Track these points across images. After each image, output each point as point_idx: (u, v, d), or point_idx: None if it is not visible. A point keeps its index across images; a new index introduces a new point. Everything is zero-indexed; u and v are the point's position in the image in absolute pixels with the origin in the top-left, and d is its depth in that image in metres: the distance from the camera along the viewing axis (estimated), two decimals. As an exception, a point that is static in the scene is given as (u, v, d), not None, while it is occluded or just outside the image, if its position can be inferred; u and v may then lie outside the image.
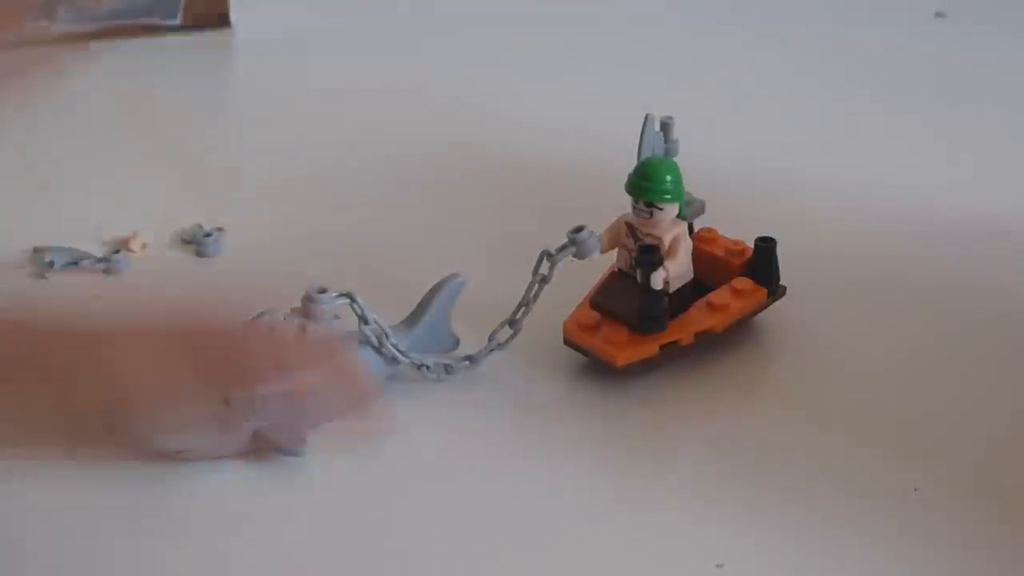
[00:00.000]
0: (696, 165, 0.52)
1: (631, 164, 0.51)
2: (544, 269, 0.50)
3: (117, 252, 0.58)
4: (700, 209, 0.55)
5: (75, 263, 0.58)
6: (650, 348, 0.50)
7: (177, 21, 0.80)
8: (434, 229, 0.60)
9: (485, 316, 0.51)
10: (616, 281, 0.52)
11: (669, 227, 0.50)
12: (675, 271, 0.50)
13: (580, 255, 0.50)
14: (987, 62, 0.78)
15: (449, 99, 0.73)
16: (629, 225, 0.51)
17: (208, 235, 0.59)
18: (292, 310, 0.48)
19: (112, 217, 0.61)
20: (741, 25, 0.82)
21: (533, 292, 0.50)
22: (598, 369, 0.51)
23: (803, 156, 0.67)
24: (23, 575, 0.44)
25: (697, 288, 0.52)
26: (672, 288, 0.50)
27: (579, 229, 0.49)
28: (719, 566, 0.43)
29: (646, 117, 0.52)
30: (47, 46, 0.72)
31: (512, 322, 0.51)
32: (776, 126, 0.71)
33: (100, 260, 0.58)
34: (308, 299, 0.48)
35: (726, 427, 0.49)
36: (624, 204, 0.51)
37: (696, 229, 0.54)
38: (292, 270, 0.56)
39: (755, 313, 0.53)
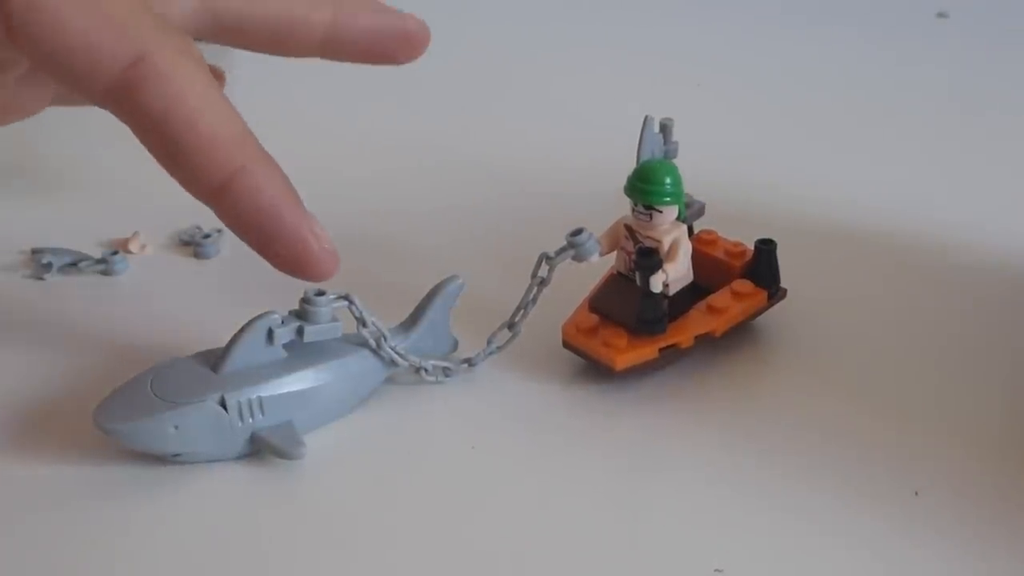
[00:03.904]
0: (696, 167, 0.52)
1: (630, 166, 0.51)
2: (543, 272, 0.50)
3: (115, 253, 0.58)
4: (700, 211, 0.55)
5: (73, 264, 0.58)
6: (649, 351, 0.50)
7: (177, 21, 0.80)
8: (432, 231, 0.60)
9: (484, 319, 0.51)
10: (615, 284, 0.52)
11: (668, 229, 0.50)
12: (674, 274, 0.50)
13: (579, 258, 0.49)
14: (989, 62, 0.78)
15: (448, 100, 0.73)
16: (628, 227, 0.51)
17: (207, 236, 0.59)
18: (290, 312, 0.48)
19: (110, 218, 0.61)
20: (741, 26, 0.82)
21: (532, 295, 0.50)
22: (597, 372, 0.51)
23: (804, 157, 0.67)
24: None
25: (697, 290, 0.52)
26: (672, 291, 0.50)
27: (578, 231, 0.49)
28: (718, 571, 0.43)
29: (645, 119, 0.52)
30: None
31: (511, 325, 0.51)
32: (776, 127, 0.71)
33: (98, 261, 0.58)
34: (306, 301, 0.48)
35: (725, 430, 0.49)
36: (624, 206, 0.51)
37: (696, 231, 0.54)
38: (290, 272, 0.57)
39: (755, 315, 0.53)
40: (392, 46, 0.55)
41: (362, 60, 0.56)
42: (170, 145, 0.45)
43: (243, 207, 0.46)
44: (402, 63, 0.56)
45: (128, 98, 0.44)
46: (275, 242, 0.46)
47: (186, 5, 0.51)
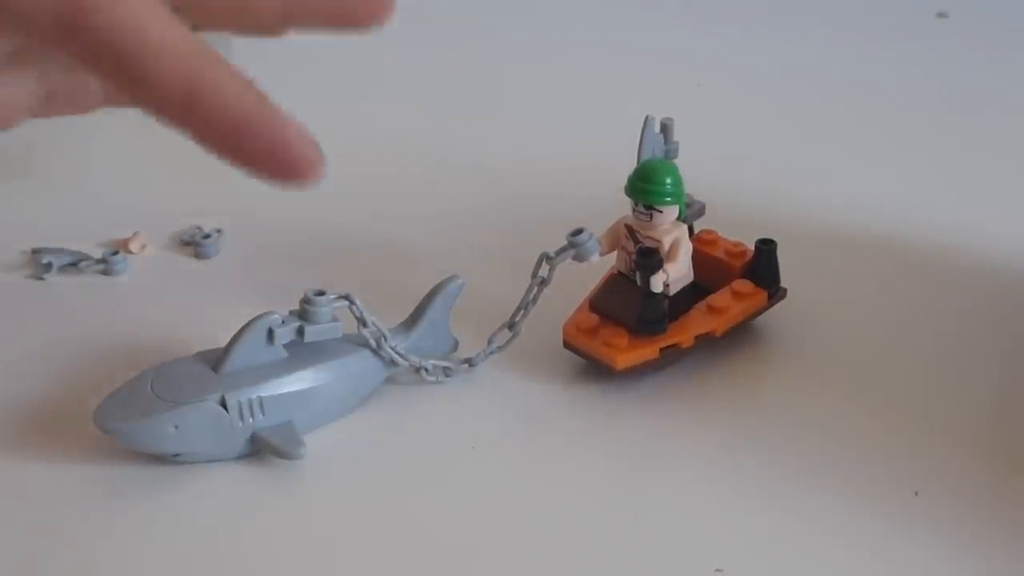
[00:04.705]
0: (696, 167, 0.52)
1: (631, 166, 0.51)
2: (543, 271, 0.50)
3: (116, 253, 0.58)
4: (700, 211, 0.55)
5: (74, 264, 0.57)
6: (650, 351, 0.50)
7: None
8: (433, 231, 0.60)
9: (484, 319, 0.51)
10: (616, 283, 0.52)
11: (669, 229, 0.50)
12: (675, 274, 0.50)
13: (579, 257, 0.49)
14: (989, 62, 0.78)
15: (449, 100, 0.73)
16: (629, 227, 0.51)
17: (207, 236, 0.59)
18: (290, 312, 0.48)
19: (111, 218, 0.61)
20: (741, 26, 0.82)
21: (532, 295, 0.50)
22: (597, 372, 0.50)
23: (804, 158, 0.67)
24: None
25: (697, 290, 0.52)
26: (672, 291, 0.50)
27: (578, 231, 0.49)
28: (718, 571, 0.43)
29: (646, 119, 0.52)
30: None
31: (511, 325, 0.51)
32: (777, 128, 0.71)
33: (99, 261, 0.58)
34: (306, 301, 0.48)
35: (726, 430, 0.49)
36: (624, 206, 0.51)
37: (696, 231, 0.54)
38: (290, 272, 0.56)
39: (755, 315, 0.53)
40: (356, 6, 0.54)
41: (328, 24, 0.55)
42: (124, 65, 0.45)
43: (210, 110, 0.45)
44: (369, 26, 0.55)
45: (76, 24, 0.45)
46: (250, 140, 0.45)
47: None
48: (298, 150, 0.44)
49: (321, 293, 0.48)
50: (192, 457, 0.47)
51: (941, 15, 0.83)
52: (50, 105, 0.54)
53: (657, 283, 0.49)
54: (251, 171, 0.44)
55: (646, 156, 0.52)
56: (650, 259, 0.49)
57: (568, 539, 0.44)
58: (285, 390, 0.47)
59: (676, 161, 0.52)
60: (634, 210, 0.50)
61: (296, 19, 0.53)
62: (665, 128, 0.53)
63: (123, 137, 0.69)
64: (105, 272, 0.58)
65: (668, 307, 0.50)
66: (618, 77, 0.75)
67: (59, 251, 0.58)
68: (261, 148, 0.44)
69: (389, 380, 0.50)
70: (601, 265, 0.51)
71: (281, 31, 0.54)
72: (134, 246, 0.59)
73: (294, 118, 0.45)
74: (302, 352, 0.48)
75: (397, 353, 0.49)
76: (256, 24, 0.53)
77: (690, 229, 0.53)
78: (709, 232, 0.54)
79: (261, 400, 0.47)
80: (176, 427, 0.46)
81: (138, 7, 0.45)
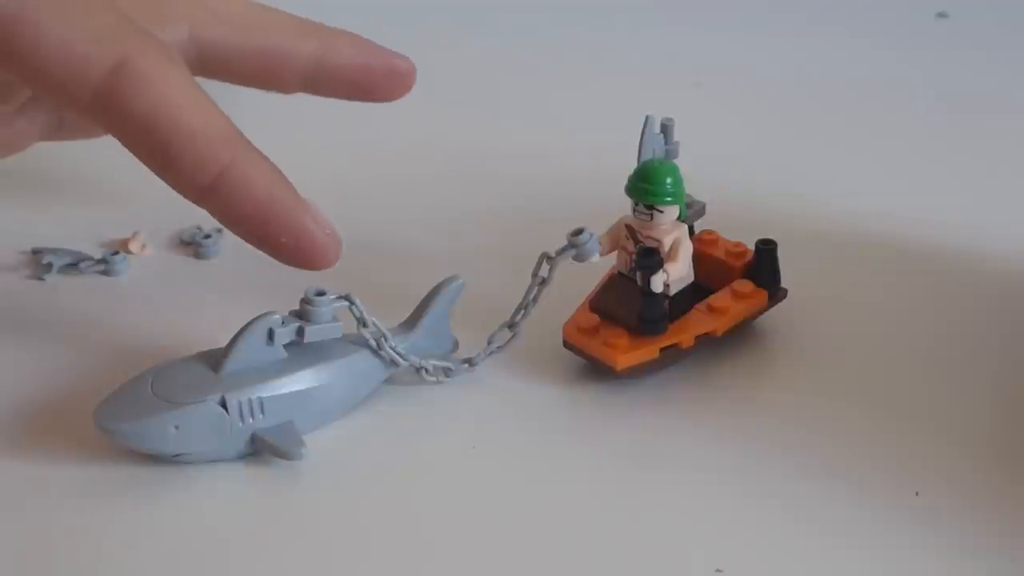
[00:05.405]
0: (696, 167, 0.52)
1: (631, 166, 0.51)
2: (544, 271, 0.50)
3: (116, 253, 0.58)
4: (701, 211, 0.55)
5: (73, 264, 0.57)
6: (650, 351, 0.50)
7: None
8: (433, 231, 0.60)
9: (484, 318, 0.51)
10: (616, 284, 0.52)
11: (669, 229, 0.50)
12: (675, 274, 0.50)
13: (580, 257, 0.49)
14: (989, 62, 0.78)
15: (449, 100, 0.73)
16: (629, 227, 0.51)
17: (207, 236, 0.59)
18: (290, 312, 0.48)
19: (111, 218, 0.61)
20: (741, 26, 0.82)
21: (532, 294, 0.50)
22: (597, 372, 0.50)
23: (804, 158, 0.67)
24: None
25: (697, 290, 0.52)
26: (672, 291, 0.50)
27: (579, 231, 0.49)
28: (718, 571, 0.43)
29: (646, 119, 0.52)
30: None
31: (511, 325, 0.51)
32: (777, 128, 0.71)
33: (99, 261, 0.58)
34: (306, 301, 0.48)
35: (726, 430, 0.49)
36: (625, 206, 0.51)
37: (697, 231, 0.54)
38: (290, 272, 0.56)
39: (756, 316, 0.53)
40: (377, 81, 0.55)
41: (347, 95, 0.56)
42: (157, 147, 0.45)
43: (236, 201, 0.46)
44: (387, 100, 0.56)
45: (113, 103, 0.45)
46: (274, 233, 0.46)
47: (173, 37, 0.51)
48: (315, 242, 0.46)
49: (321, 293, 0.48)
50: (192, 457, 0.47)
51: (941, 15, 0.83)
52: (60, 132, 0.54)
53: (657, 283, 0.49)
54: (268, 253, 0.46)
55: (646, 156, 0.52)
56: (650, 259, 0.49)
57: (568, 539, 0.44)
58: (285, 390, 0.47)
59: (676, 161, 0.52)
60: (634, 210, 0.50)
61: (317, 89, 0.54)
62: (665, 128, 0.53)
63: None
64: (105, 272, 0.58)
65: (668, 307, 0.50)
66: (618, 77, 0.75)
67: (59, 251, 0.58)
68: (279, 238, 0.45)
69: (389, 380, 0.50)
70: (601, 265, 0.51)
71: (296, 92, 0.55)
72: (134, 246, 0.59)
73: (315, 207, 0.46)
74: (302, 352, 0.48)
75: (397, 353, 0.49)
76: (276, 87, 0.54)
77: (690, 229, 0.53)
78: (709, 232, 0.54)
79: (261, 400, 0.47)
80: (176, 427, 0.46)
81: (174, 90, 0.45)
